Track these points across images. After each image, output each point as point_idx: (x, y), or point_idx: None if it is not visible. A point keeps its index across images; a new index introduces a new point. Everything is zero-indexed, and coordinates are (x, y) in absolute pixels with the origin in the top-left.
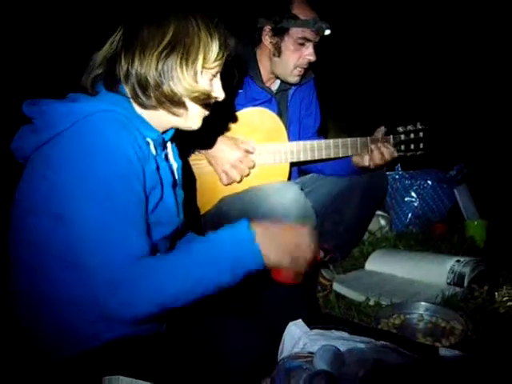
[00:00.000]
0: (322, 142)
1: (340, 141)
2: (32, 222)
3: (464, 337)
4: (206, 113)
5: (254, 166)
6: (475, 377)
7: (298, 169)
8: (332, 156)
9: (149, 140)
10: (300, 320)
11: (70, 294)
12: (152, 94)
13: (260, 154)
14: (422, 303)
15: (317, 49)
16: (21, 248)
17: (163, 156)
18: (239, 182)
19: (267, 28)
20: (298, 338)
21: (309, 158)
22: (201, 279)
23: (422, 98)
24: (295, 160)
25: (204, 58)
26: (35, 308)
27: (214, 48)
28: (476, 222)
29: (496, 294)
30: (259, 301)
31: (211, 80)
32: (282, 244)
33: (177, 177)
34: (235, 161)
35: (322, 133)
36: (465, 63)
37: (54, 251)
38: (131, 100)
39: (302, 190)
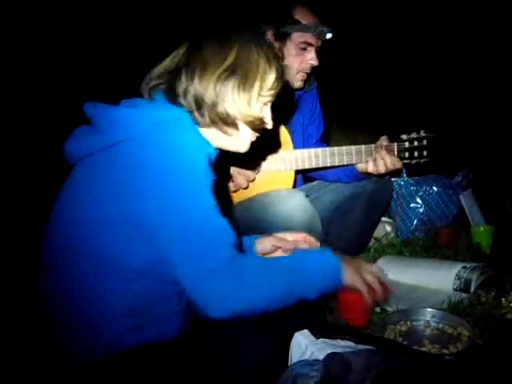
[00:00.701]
0: (327, 149)
1: (344, 148)
2: (94, 229)
3: (471, 343)
4: (254, 138)
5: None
6: None
7: (303, 176)
8: (337, 164)
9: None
10: (306, 330)
11: (110, 301)
12: (207, 113)
13: (266, 162)
14: (429, 309)
15: (319, 54)
16: (63, 254)
17: None
18: (245, 188)
19: (269, 33)
20: (305, 347)
21: (313, 166)
22: (293, 289)
23: (426, 104)
24: (300, 168)
25: (260, 86)
26: (65, 314)
27: (271, 78)
28: (482, 228)
29: (503, 299)
30: None
31: (262, 108)
32: (356, 268)
33: None
34: (240, 167)
35: (325, 140)
36: (468, 69)
37: (114, 260)
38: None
39: (307, 196)
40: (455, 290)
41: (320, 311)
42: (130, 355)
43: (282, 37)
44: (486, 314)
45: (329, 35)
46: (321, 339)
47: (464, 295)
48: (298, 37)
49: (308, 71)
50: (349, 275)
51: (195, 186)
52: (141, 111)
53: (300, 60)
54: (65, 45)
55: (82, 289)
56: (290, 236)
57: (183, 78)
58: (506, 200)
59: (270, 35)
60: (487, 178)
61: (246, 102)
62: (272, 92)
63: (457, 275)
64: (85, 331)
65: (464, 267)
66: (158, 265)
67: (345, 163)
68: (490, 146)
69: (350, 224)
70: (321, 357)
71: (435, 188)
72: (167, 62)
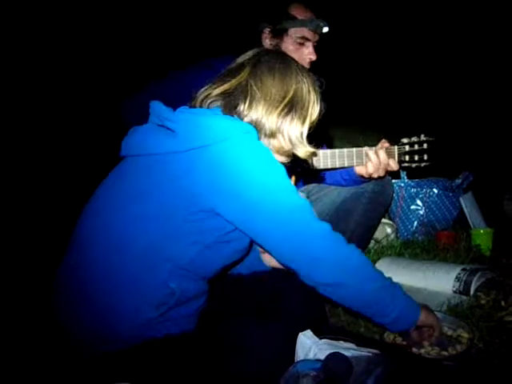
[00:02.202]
0: (328, 151)
1: (345, 150)
2: (149, 225)
3: (470, 345)
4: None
5: None
6: None
7: (303, 178)
8: (337, 166)
9: None
10: (309, 330)
11: (144, 293)
12: (263, 140)
13: None
14: None
15: (318, 51)
16: (105, 243)
17: None
18: None
19: (266, 30)
20: (309, 347)
21: (314, 167)
22: (381, 300)
23: (426, 107)
24: (300, 169)
25: (310, 119)
26: (82, 306)
27: (317, 109)
28: (482, 231)
29: (502, 302)
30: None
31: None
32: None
33: None
34: None
35: (325, 141)
36: (467, 72)
37: (162, 255)
38: None
39: (307, 198)
40: (455, 292)
41: (323, 313)
42: (146, 347)
43: (279, 33)
44: (485, 316)
45: (325, 29)
46: (324, 340)
47: (464, 297)
48: (294, 32)
49: (307, 67)
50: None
51: (280, 183)
52: (222, 120)
53: (298, 56)
54: (65, 45)
55: (117, 278)
56: None
57: (246, 106)
58: (505, 202)
59: (267, 32)
60: (487, 181)
61: (300, 135)
62: (315, 122)
63: (456, 277)
64: (111, 320)
65: (464, 269)
66: (202, 262)
67: (345, 165)
68: (490, 149)
69: (350, 225)
70: (323, 357)
71: (435, 190)
72: (226, 86)
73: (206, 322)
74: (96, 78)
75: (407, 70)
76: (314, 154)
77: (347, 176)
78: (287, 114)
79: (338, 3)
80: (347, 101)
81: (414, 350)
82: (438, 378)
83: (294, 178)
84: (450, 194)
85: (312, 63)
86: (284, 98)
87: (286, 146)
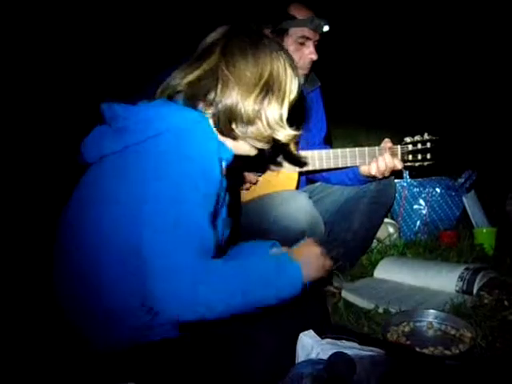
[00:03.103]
0: (331, 151)
1: (348, 150)
2: (108, 215)
3: (473, 344)
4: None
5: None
6: None
7: (306, 178)
8: (340, 166)
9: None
10: (311, 330)
11: (123, 296)
12: (237, 127)
13: (269, 163)
14: (431, 311)
15: (320, 50)
16: (80, 239)
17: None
18: (247, 189)
19: (267, 31)
20: (310, 347)
21: (317, 168)
22: (252, 299)
23: (429, 106)
24: (304, 169)
25: (289, 99)
26: (81, 303)
27: (295, 86)
28: (485, 230)
29: (505, 301)
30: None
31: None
32: (315, 262)
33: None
34: (243, 170)
35: (329, 142)
36: (470, 71)
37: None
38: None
39: (310, 198)
40: (458, 291)
41: (325, 312)
42: (143, 349)
43: (280, 33)
44: (488, 315)
45: (326, 28)
46: (326, 339)
47: (467, 297)
48: (295, 32)
49: (308, 66)
50: (311, 274)
51: (197, 189)
52: (166, 110)
53: (299, 55)
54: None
55: (106, 279)
56: None
57: (218, 92)
58: (508, 202)
59: (268, 33)
60: (490, 180)
61: (279, 118)
62: (294, 99)
63: (459, 277)
64: (101, 320)
65: (467, 269)
66: None
67: (348, 165)
68: (492, 148)
69: (352, 225)
70: (326, 357)
71: (438, 190)
72: (197, 73)
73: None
74: (96, 78)
75: (410, 69)
76: (296, 137)
77: (352, 175)
78: (264, 97)
79: (340, 1)
80: (350, 100)
81: (417, 349)
82: (441, 377)
83: (296, 177)
84: (453, 194)
85: (314, 62)
86: (259, 80)
87: (265, 132)
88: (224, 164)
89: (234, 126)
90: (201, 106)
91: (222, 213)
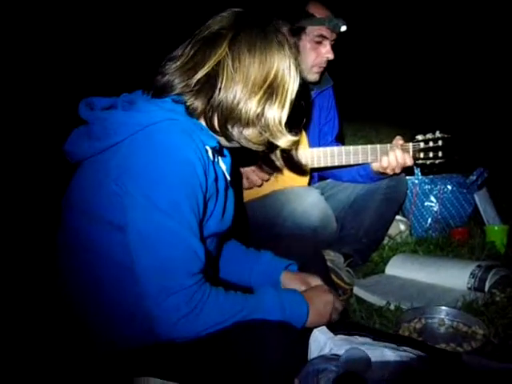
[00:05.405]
0: (342, 148)
1: (360, 147)
2: (91, 228)
3: (485, 342)
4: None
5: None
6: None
7: (318, 174)
8: (352, 163)
9: (207, 148)
10: (324, 327)
11: (120, 303)
12: (233, 129)
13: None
14: (443, 308)
15: (335, 49)
16: (74, 250)
17: (217, 161)
18: (260, 186)
19: (285, 29)
20: (323, 343)
21: (329, 164)
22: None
23: (440, 104)
24: (316, 166)
25: (291, 99)
26: (84, 306)
27: (297, 85)
28: (497, 227)
29: None
30: None
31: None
32: (322, 310)
33: (228, 178)
34: (255, 166)
35: (340, 139)
36: (482, 68)
37: (110, 259)
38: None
39: (322, 194)
40: (469, 288)
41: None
42: (144, 350)
43: (297, 32)
44: (500, 312)
45: (343, 28)
46: (339, 336)
47: (478, 294)
48: (312, 30)
49: (324, 65)
50: (314, 321)
51: (175, 202)
52: (130, 115)
53: (315, 54)
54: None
55: (96, 287)
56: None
57: (221, 92)
58: None
59: (285, 31)
60: (502, 178)
61: (279, 122)
62: (294, 100)
63: (471, 274)
64: (103, 324)
65: (478, 266)
66: None
67: (360, 162)
68: (504, 146)
69: (364, 222)
70: (339, 352)
71: (449, 187)
72: (206, 68)
73: None
74: (96, 78)
75: (421, 66)
76: (295, 143)
77: (363, 172)
78: (267, 99)
79: (351, 0)
80: (360, 97)
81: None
82: (456, 373)
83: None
84: (465, 191)
85: (328, 62)
86: (265, 81)
87: (262, 135)
88: (210, 150)
89: (229, 126)
90: (184, 95)
91: (219, 203)
